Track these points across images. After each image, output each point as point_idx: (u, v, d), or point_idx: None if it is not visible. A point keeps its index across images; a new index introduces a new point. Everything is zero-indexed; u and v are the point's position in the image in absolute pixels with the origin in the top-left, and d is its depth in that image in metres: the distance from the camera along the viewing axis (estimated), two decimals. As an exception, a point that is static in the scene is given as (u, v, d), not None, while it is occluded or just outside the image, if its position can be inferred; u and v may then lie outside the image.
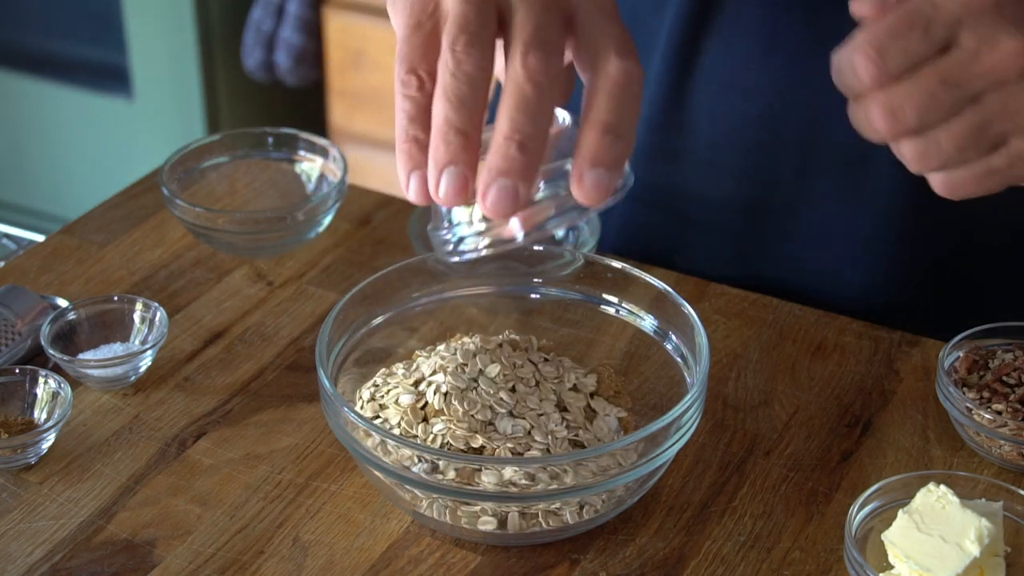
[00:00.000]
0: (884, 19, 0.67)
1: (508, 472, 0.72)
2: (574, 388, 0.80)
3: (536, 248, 0.87)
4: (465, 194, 0.66)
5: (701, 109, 0.98)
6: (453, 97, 0.66)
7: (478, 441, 0.75)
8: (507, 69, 0.67)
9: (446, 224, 0.70)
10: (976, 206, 0.94)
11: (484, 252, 0.69)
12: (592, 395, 0.80)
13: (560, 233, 0.98)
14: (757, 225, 0.99)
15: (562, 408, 0.78)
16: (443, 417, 0.76)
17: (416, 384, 0.78)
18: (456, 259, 0.70)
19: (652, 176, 1.01)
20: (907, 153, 0.69)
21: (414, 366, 0.80)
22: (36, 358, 0.88)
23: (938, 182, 0.70)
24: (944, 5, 0.66)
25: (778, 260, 1.00)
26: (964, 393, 0.81)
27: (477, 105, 0.66)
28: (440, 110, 0.66)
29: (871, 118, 0.68)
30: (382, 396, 0.79)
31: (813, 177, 0.96)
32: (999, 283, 0.97)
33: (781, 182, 0.97)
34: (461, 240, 0.69)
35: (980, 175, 0.69)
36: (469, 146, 0.66)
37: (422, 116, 0.67)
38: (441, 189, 0.66)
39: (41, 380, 0.83)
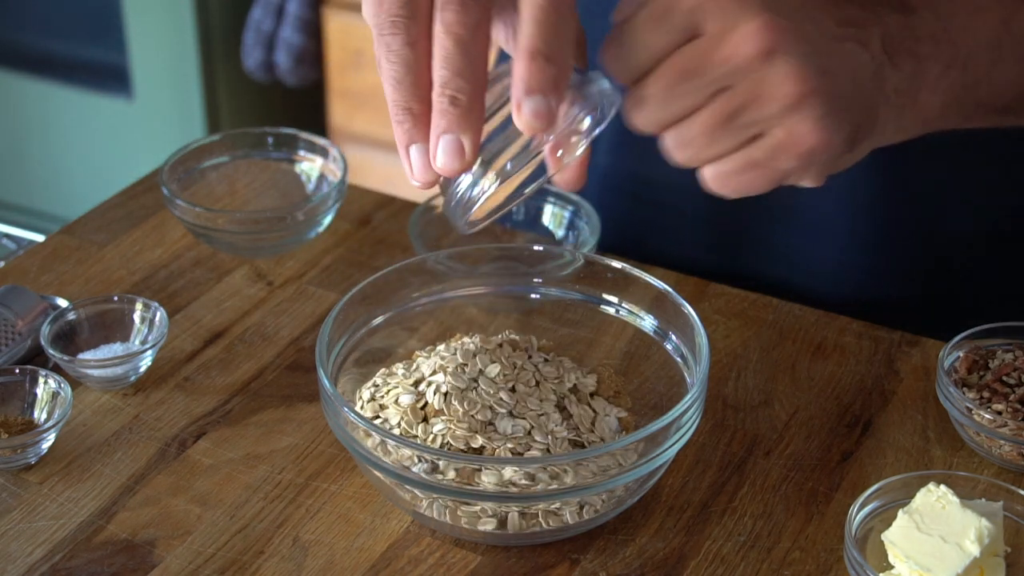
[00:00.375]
0: (628, 17, 0.67)
1: (508, 472, 0.72)
2: (574, 388, 0.80)
3: (536, 248, 0.87)
4: (432, 167, 0.67)
5: None
6: (389, 79, 0.67)
7: (478, 441, 0.75)
8: None
9: (455, 184, 0.70)
10: (972, 199, 0.95)
11: (491, 191, 0.69)
12: (592, 395, 0.80)
13: (560, 232, 0.98)
14: (739, 212, 0.98)
15: (562, 408, 0.78)
16: (443, 417, 0.76)
17: (416, 384, 0.78)
18: (474, 218, 0.70)
19: (626, 163, 1.01)
20: (666, 144, 0.68)
21: (414, 366, 0.80)
22: (36, 358, 0.88)
23: (707, 176, 0.69)
24: None
25: (769, 252, 0.99)
26: (964, 393, 0.81)
27: (416, 79, 0.67)
28: (387, 95, 0.67)
29: (627, 113, 0.68)
30: (382, 396, 0.79)
31: None
32: (999, 282, 0.97)
33: None
34: (478, 193, 0.69)
35: (741, 168, 0.68)
36: (418, 122, 0.67)
37: None
38: (414, 169, 0.67)
39: (41, 380, 0.83)
